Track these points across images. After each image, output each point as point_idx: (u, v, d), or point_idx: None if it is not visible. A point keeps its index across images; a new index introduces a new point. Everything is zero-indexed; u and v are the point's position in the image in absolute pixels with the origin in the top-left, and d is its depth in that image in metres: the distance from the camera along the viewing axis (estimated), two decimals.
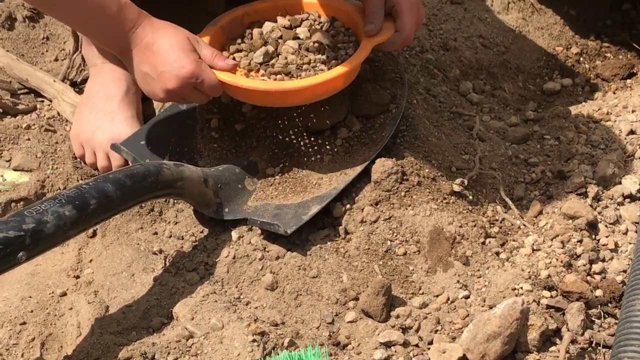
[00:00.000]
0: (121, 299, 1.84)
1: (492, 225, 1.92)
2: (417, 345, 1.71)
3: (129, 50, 1.85)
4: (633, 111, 2.23)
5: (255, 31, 2.00)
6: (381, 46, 1.97)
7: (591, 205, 1.94)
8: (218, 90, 1.89)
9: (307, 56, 1.92)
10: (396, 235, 1.85)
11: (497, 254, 1.86)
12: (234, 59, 1.95)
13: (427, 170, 1.94)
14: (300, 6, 2.05)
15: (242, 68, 1.94)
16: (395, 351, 1.69)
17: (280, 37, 1.97)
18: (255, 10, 2.05)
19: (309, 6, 2.04)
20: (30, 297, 1.88)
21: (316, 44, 1.93)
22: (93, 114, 2.12)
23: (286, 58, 1.93)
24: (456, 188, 1.93)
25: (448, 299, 1.77)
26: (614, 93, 2.51)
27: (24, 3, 2.42)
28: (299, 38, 1.96)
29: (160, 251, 1.92)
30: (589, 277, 1.79)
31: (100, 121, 2.11)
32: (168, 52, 1.82)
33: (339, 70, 1.88)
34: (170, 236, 1.95)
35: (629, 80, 2.58)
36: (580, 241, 1.84)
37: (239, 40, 2.00)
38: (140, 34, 1.83)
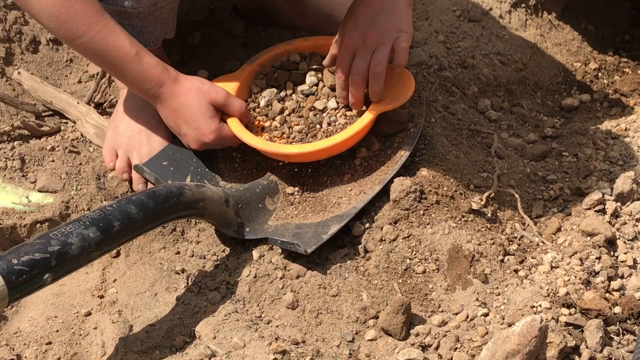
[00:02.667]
0: (145, 318, 1.86)
1: (510, 243, 1.94)
2: None
3: (154, 104, 1.99)
4: None
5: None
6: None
7: (609, 222, 1.94)
8: (236, 144, 2.05)
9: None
10: (415, 254, 1.86)
11: (516, 271, 1.87)
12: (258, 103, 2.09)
13: (445, 189, 1.95)
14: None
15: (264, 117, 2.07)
16: None
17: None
18: (296, 48, 2.14)
19: None
20: (56, 317, 1.90)
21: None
22: (130, 127, 2.12)
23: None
24: (474, 206, 1.94)
25: (467, 316, 1.78)
26: (633, 108, 2.51)
27: None
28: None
29: (183, 270, 1.94)
30: (607, 294, 1.80)
31: (138, 134, 2.11)
32: (191, 120, 1.97)
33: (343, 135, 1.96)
34: (193, 255, 1.98)
35: None
36: (599, 258, 1.85)
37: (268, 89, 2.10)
38: (164, 94, 1.96)
